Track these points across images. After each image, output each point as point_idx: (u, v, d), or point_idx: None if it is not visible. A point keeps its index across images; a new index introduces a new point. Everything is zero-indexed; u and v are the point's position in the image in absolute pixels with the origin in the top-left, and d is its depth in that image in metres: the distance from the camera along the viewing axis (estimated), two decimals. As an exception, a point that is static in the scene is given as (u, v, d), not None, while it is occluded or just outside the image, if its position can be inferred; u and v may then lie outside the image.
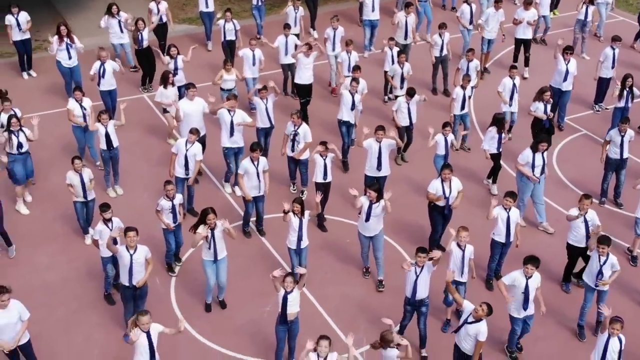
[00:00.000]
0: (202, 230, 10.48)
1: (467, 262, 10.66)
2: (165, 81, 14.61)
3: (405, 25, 17.56)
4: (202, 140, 13.84)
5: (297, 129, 13.27)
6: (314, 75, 16.07)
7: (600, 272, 10.58)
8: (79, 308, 11.32)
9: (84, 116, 13.81)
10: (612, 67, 16.28)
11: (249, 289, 11.66)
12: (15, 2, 16.94)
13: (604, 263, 10.57)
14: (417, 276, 10.15)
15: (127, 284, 10.27)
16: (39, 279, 11.78)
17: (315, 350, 8.82)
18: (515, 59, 18.06)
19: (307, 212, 11.30)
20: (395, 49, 16.54)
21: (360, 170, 13.42)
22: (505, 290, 10.18)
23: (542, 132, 13.95)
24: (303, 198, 12.36)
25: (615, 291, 11.25)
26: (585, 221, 11.34)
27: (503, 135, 13.71)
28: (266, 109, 14.02)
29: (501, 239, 11.53)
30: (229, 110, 13.31)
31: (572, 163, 15.10)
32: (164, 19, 18.09)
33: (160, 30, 18.18)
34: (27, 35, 17.24)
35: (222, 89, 15.39)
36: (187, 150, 12.66)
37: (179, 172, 12.75)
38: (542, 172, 12.79)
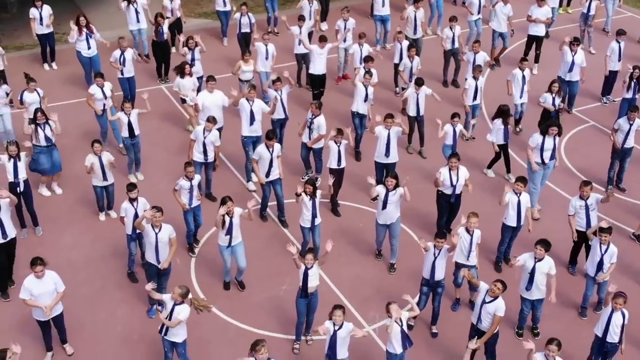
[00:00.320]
0: (222, 210, 10.90)
1: (475, 246, 11.03)
2: (182, 71, 15.06)
3: (415, 20, 17.97)
4: (218, 132, 14.26)
5: (314, 118, 13.70)
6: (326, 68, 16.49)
7: (601, 261, 10.90)
8: (102, 286, 11.81)
9: (104, 100, 14.29)
10: (619, 60, 16.66)
11: (266, 269, 12.11)
12: (38, -5, 17.49)
13: (605, 252, 10.90)
14: (435, 258, 10.55)
15: (152, 262, 10.74)
16: (64, 258, 12.26)
17: (330, 318, 9.25)
18: (526, 55, 18.39)
19: (319, 192, 11.76)
20: (405, 43, 16.92)
21: (372, 158, 13.83)
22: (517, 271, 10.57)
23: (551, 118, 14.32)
24: (317, 184, 12.77)
25: (618, 273, 11.56)
26: (587, 207, 11.71)
27: (509, 127, 14.10)
28: (281, 100, 14.43)
29: (512, 222, 11.90)
30: (248, 100, 13.71)
31: (579, 153, 15.50)
32: (178, 14, 18.55)
33: (175, 25, 18.66)
34: (50, 29, 17.74)
35: (240, 80, 15.85)
36: (205, 138, 13.12)
37: (198, 157, 13.20)
38: (552, 157, 13.17)
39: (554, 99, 14.80)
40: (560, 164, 14.51)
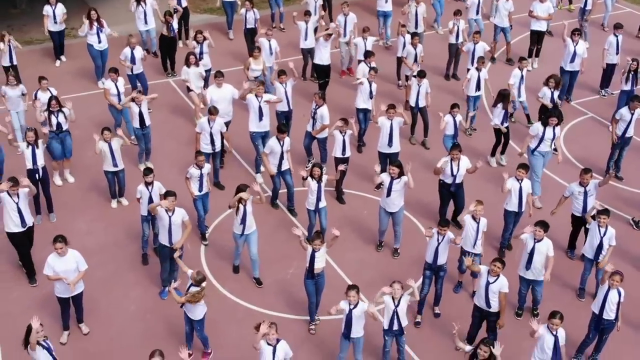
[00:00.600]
0: (244, 195, 11.25)
1: (481, 234, 11.36)
2: (187, 61, 15.47)
3: (416, 14, 18.36)
4: (226, 126, 14.61)
5: (317, 108, 14.07)
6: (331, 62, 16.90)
7: (600, 244, 11.27)
8: (116, 269, 12.21)
9: (119, 95, 14.68)
10: (617, 54, 17.06)
11: (274, 253, 12.49)
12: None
13: (604, 234, 11.27)
14: (439, 244, 10.91)
15: (165, 244, 11.14)
16: (78, 243, 12.52)
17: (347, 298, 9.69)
18: (530, 51, 18.77)
19: (325, 177, 12.15)
20: (408, 36, 17.29)
21: (375, 149, 14.21)
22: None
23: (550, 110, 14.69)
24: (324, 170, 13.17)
25: (615, 257, 11.94)
26: (585, 193, 12.10)
27: (509, 112, 14.56)
28: (285, 92, 14.77)
29: (513, 208, 12.28)
30: (257, 96, 14.01)
31: (578, 143, 15.89)
32: (184, 3, 18.92)
33: (183, 16, 19.05)
34: (62, 27, 18.18)
35: (248, 78, 16.23)
36: (211, 128, 13.49)
37: (205, 148, 13.56)
38: (552, 146, 13.58)
39: (552, 93, 15.18)
40: (560, 160, 14.88)
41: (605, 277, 10.15)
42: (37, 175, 12.66)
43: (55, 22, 17.91)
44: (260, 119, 14.05)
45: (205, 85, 16.44)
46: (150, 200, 11.64)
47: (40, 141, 12.78)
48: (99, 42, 17.06)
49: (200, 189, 12.46)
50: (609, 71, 17.49)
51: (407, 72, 16.96)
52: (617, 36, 16.99)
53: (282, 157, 13.13)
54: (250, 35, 18.43)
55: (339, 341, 10.25)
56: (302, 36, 17.42)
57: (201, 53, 16.36)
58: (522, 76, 15.63)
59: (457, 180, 12.79)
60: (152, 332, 10.91)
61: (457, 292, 11.93)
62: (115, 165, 13.17)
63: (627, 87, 15.96)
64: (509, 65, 18.65)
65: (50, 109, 13.50)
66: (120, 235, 12.94)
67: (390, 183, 12.12)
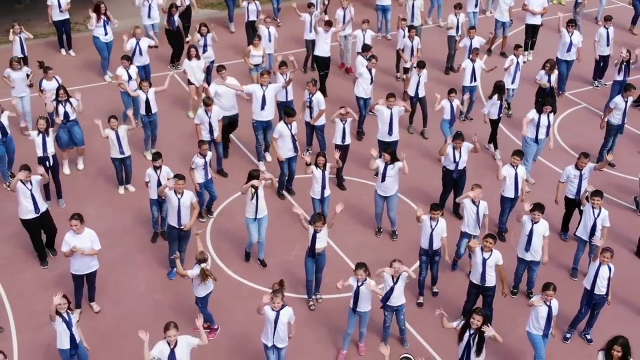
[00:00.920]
0: (256, 182, 11.64)
1: (482, 217, 11.76)
2: (188, 54, 15.88)
3: (412, 8, 18.79)
4: (235, 119, 15.05)
5: (312, 96, 14.48)
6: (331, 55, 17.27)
7: (594, 225, 11.69)
8: (125, 252, 12.61)
9: (130, 82, 15.11)
10: (607, 45, 17.52)
11: (277, 237, 12.89)
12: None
13: (598, 216, 11.70)
14: (433, 229, 11.30)
15: (174, 225, 11.55)
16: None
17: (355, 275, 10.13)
18: (526, 44, 19.20)
19: (328, 165, 12.56)
20: (406, 29, 17.72)
21: (372, 138, 14.61)
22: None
23: (545, 97, 15.13)
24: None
25: (608, 239, 12.35)
26: (580, 177, 12.52)
27: (503, 104, 14.95)
28: (285, 81, 15.11)
29: (510, 194, 12.69)
30: (262, 85, 14.37)
31: (571, 132, 16.35)
32: (188, 1, 19.35)
33: (185, 13, 19.43)
34: (66, 16, 18.56)
35: (250, 67, 16.64)
36: (209, 118, 13.88)
37: (206, 137, 13.93)
38: (547, 133, 14.01)
39: (548, 76, 15.60)
40: (553, 142, 15.32)
41: (597, 253, 10.58)
42: (47, 163, 13.03)
43: (61, 11, 18.28)
44: (263, 108, 14.44)
45: (209, 76, 16.90)
46: (159, 184, 12.05)
47: (51, 130, 13.17)
48: (105, 34, 17.46)
49: (206, 177, 12.85)
50: (601, 63, 17.92)
51: (405, 65, 17.36)
52: (607, 28, 17.46)
53: (294, 140, 13.48)
54: (252, 27, 18.82)
55: (341, 318, 10.71)
56: (306, 28, 17.80)
57: (205, 45, 16.76)
58: (517, 63, 16.05)
59: (460, 167, 13.17)
60: (161, 311, 11.30)
61: (454, 270, 12.32)
62: (122, 152, 13.57)
63: (620, 78, 16.40)
64: (503, 58, 19.05)
65: (59, 98, 13.88)
66: (128, 220, 13.34)
67: (385, 168, 12.53)
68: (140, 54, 16.47)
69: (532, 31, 19.21)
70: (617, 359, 9.03)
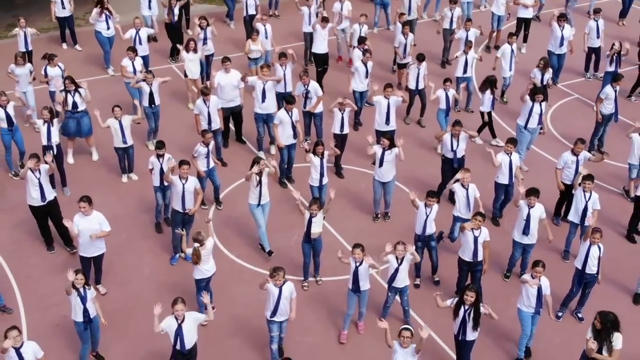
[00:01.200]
0: (255, 169, 11.99)
1: (472, 199, 12.14)
2: (187, 47, 16.22)
3: (409, 1, 19.14)
4: (237, 111, 15.37)
5: (307, 87, 14.83)
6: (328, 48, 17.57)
7: (585, 208, 12.08)
8: (130, 237, 12.95)
9: (135, 73, 15.45)
10: (597, 37, 17.93)
11: (278, 223, 13.21)
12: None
13: (589, 199, 12.09)
14: (427, 216, 11.67)
15: (178, 209, 11.89)
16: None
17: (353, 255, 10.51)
18: (517, 34, 19.54)
19: (326, 152, 12.91)
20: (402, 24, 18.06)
21: (369, 127, 14.96)
22: None
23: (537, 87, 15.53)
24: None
25: (598, 222, 12.75)
26: (577, 162, 12.90)
27: (496, 96, 15.39)
28: (284, 75, 15.49)
29: (504, 180, 13.06)
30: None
31: (563, 121, 16.75)
32: None
33: (185, 7, 19.75)
34: (70, 12, 18.90)
35: (249, 59, 16.98)
36: (208, 108, 14.20)
37: (205, 126, 14.21)
38: (539, 122, 14.40)
39: (542, 74, 15.99)
40: (546, 132, 15.73)
41: (588, 234, 10.95)
42: (51, 152, 13.34)
43: (64, 8, 18.60)
44: (263, 100, 14.77)
45: (209, 69, 17.22)
46: (162, 172, 12.36)
47: (55, 120, 13.47)
48: (107, 28, 17.77)
49: (208, 165, 13.18)
50: (592, 54, 18.33)
51: (399, 61, 17.72)
52: (596, 21, 17.87)
53: (294, 127, 13.82)
54: (251, 21, 19.07)
55: (341, 299, 11.06)
56: (305, 21, 18.13)
57: (205, 38, 17.07)
58: (512, 50, 16.45)
59: (458, 155, 13.52)
60: (166, 293, 11.58)
61: (454, 240, 12.65)
62: (125, 142, 13.89)
63: (612, 69, 16.80)
64: (497, 51, 19.47)
65: (66, 88, 14.18)
66: (132, 207, 13.67)
67: (382, 154, 12.89)
68: (140, 43, 16.76)
69: (523, 24, 19.57)
70: (597, 330, 9.37)
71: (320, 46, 17.50)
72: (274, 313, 10.12)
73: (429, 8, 21.78)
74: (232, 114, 15.33)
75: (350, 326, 11.13)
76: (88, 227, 10.99)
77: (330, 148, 13.27)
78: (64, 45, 19.42)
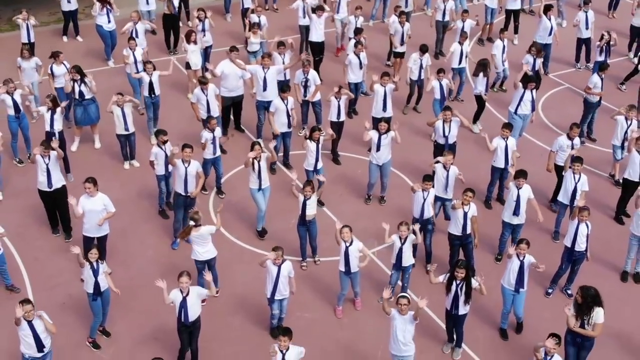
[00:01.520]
0: (252, 154, 12.36)
1: (452, 181, 12.58)
2: (188, 38, 16.57)
3: None
4: (238, 100, 15.70)
5: (307, 75, 15.22)
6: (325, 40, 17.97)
7: (575, 189, 12.49)
8: (133, 220, 13.32)
9: (136, 63, 15.78)
10: (587, 28, 18.35)
11: (277, 207, 13.57)
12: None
13: (578, 181, 12.50)
14: (424, 200, 12.06)
15: (181, 192, 12.26)
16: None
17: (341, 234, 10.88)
18: (506, 28, 19.96)
19: (322, 138, 13.29)
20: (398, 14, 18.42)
21: (365, 116, 15.31)
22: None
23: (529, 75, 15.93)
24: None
25: (590, 206, 13.12)
26: (572, 146, 13.30)
27: (489, 80, 15.85)
28: (283, 63, 15.87)
29: (500, 164, 13.44)
30: (263, 67, 15.09)
31: (554, 110, 17.18)
32: None
33: (183, 0, 20.13)
34: (75, 6, 19.30)
35: (248, 52, 17.33)
36: (206, 96, 14.55)
37: (204, 114, 14.53)
38: (532, 108, 14.83)
39: (534, 59, 16.39)
40: (537, 120, 16.13)
41: (576, 212, 11.36)
42: (54, 138, 13.65)
43: (69, 2, 19.00)
44: (265, 89, 15.14)
45: (206, 61, 17.55)
46: (166, 158, 12.71)
47: (58, 108, 13.81)
48: (109, 22, 18.11)
49: (215, 152, 13.53)
50: (582, 45, 18.76)
51: (395, 50, 18.08)
52: (586, 12, 18.30)
53: (288, 116, 14.19)
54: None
55: (335, 279, 11.42)
56: (300, 14, 18.50)
57: (203, 30, 17.42)
58: (503, 46, 16.86)
59: (450, 141, 13.90)
60: (169, 273, 11.83)
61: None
62: (127, 129, 14.25)
63: (601, 58, 17.23)
64: (490, 43, 19.83)
65: (73, 77, 14.54)
66: (134, 193, 14.04)
67: (379, 138, 13.28)
68: (137, 36, 17.10)
69: (512, 16, 20.01)
70: (579, 304, 9.79)
71: (316, 35, 17.88)
72: (273, 292, 10.49)
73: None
74: (233, 104, 15.67)
75: (347, 303, 11.53)
76: (93, 208, 11.34)
77: (328, 133, 13.65)
78: (65, 39, 19.73)
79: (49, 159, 12.25)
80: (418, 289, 11.85)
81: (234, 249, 12.69)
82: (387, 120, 13.75)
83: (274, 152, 13.00)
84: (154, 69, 15.16)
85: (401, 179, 14.70)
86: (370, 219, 13.53)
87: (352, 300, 11.65)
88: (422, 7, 22.08)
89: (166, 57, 19.04)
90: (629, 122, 14.03)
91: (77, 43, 19.73)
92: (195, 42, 16.68)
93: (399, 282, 11.61)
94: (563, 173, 12.96)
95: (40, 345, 9.30)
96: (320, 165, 13.41)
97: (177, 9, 18.69)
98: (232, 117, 15.93)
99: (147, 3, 19.34)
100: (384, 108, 14.95)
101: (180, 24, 19.94)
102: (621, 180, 13.84)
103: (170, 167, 12.70)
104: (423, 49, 16.32)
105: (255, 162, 12.46)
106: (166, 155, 12.73)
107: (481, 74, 15.61)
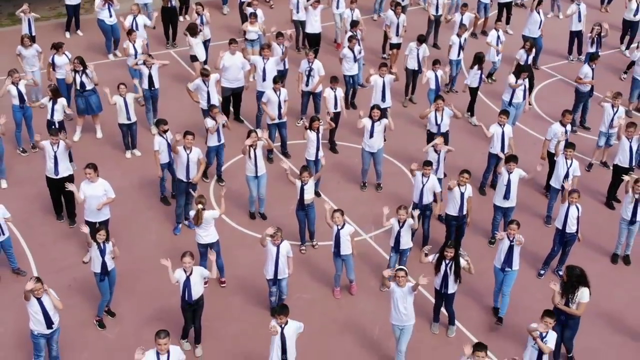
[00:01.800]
0: (248, 141, 12.68)
1: (442, 162, 12.99)
2: (194, 31, 16.85)
3: None
4: (239, 92, 15.99)
5: (312, 65, 15.54)
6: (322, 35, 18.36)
7: (567, 175, 12.82)
8: (135, 207, 13.62)
9: (136, 55, 16.07)
10: (579, 21, 18.70)
11: (275, 195, 13.87)
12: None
13: (570, 166, 12.84)
14: (424, 185, 12.38)
15: (182, 179, 12.57)
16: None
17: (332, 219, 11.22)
18: (499, 19, 20.32)
19: (321, 127, 13.60)
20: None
21: (364, 108, 15.59)
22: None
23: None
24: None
25: (582, 192, 13.46)
26: (566, 132, 13.64)
27: (483, 74, 16.15)
28: (282, 53, 16.24)
29: (497, 151, 13.72)
30: (263, 58, 15.44)
31: (547, 101, 17.53)
32: None
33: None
34: (78, 1, 19.60)
35: (246, 40, 17.65)
36: (207, 87, 14.82)
37: (204, 105, 14.86)
38: (524, 97, 15.18)
39: (527, 55, 16.74)
40: (530, 109, 16.46)
41: (566, 194, 11.70)
42: (54, 127, 13.91)
43: None
44: (264, 79, 15.45)
45: (205, 55, 17.83)
46: (169, 146, 13.01)
47: (59, 99, 14.08)
48: (110, 16, 18.40)
49: (219, 140, 13.81)
50: (574, 38, 19.12)
51: (391, 41, 18.39)
52: (578, 5, 18.65)
53: (280, 107, 14.51)
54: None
55: (332, 262, 11.73)
56: (294, 9, 18.82)
57: (201, 24, 17.70)
58: (498, 36, 17.21)
59: (442, 130, 14.23)
60: (171, 257, 12.00)
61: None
62: (129, 118, 14.55)
63: (592, 50, 17.58)
64: (483, 36, 20.20)
65: (75, 68, 14.83)
66: (136, 181, 14.34)
67: (372, 126, 13.60)
68: (137, 29, 17.36)
69: (505, 8, 20.38)
70: (564, 283, 10.12)
71: (312, 26, 18.20)
72: (273, 272, 10.81)
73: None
74: (233, 95, 15.96)
75: (344, 288, 11.85)
76: (93, 193, 11.63)
77: (327, 122, 13.98)
78: (67, 35, 19.97)
79: (58, 147, 12.53)
80: (415, 272, 12.07)
81: (234, 234, 13.01)
82: (380, 108, 14.04)
83: (269, 140, 13.28)
84: (153, 61, 15.40)
85: (397, 166, 15.03)
86: (367, 205, 13.85)
87: (347, 287, 11.95)
88: (417, 1, 22.43)
89: (165, 50, 19.35)
90: (615, 110, 14.39)
91: (78, 37, 20.01)
92: (198, 35, 16.97)
93: (397, 265, 11.90)
94: (555, 159, 13.27)
95: (49, 322, 9.59)
96: (321, 154, 13.70)
97: (173, 1, 18.92)
98: (231, 108, 16.23)
99: None
100: (383, 98, 15.26)
101: (182, 19, 20.24)
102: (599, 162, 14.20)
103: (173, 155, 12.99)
104: (420, 39, 16.64)
105: (252, 149, 12.76)
106: (168, 144, 13.02)
107: (476, 67, 15.93)
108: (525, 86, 15.15)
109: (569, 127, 13.69)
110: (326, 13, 18.89)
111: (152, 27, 18.66)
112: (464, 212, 12.05)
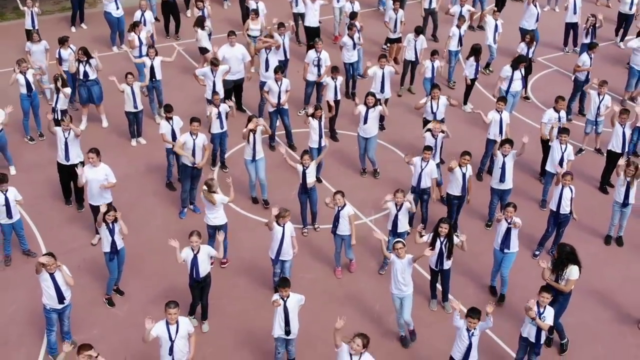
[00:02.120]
0: (251, 125, 13.06)
1: (439, 147, 13.31)
2: (202, 24, 17.21)
3: None
4: (239, 83, 16.34)
5: (320, 54, 15.90)
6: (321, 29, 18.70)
7: (561, 159, 13.19)
8: (141, 193, 13.98)
9: (141, 46, 16.45)
10: (574, 13, 19.09)
11: (279, 180, 14.24)
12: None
13: (565, 150, 13.20)
14: (422, 169, 12.72)
15: (188, 164, 12.93)
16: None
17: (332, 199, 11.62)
18: (498, 9, 20.75)
19: (323, 115, 13.96)
20: (391, 2, 19.09)
21: (363, 98, 15.97)
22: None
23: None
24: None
25: (576, 177, 13.82)
26: (559, 118, 13.99)
27: (480, 65, 16.46)
28: (283, 43, 16.60)
29: (494, 137, 14.03)
30: (266, 49, 15.84)
31: (543, 91, 17.91)
32: None
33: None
34: None
35: (249, 36, 18.00)
36: (214, 77, 15.17)
37: (209, 94, 15.09)
38: (521, 86, 15.55)
39: (528, 48, 17.11)
40: (526, 92, 16.86)
41: (559, 177, 12.07)
42: (55, 115, 14.25)
43: None
44: (267, 70, 15.81)
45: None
46: (173, 133, 13.36)
47: (64, 89, 14.43)
48: (117, 8, 18.76)
49: (222, 127, 14.17)
50: (570, 30, 19.49)
51: (389, 36, 18.75)
52: None
53: (279, 97, 14.87)
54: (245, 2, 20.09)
55: (333, 244, 12.10)
56: (293, 1, 19.17)
57: (203, 17, 18.03)
58: (495, 25, 17.61)
59: (438, 117, 14.57)
60: (179, 239, 12.50)
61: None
62: (135, 107, 14.91)
63: (587, 40, 17.94)
64: (481, 30, 20.59)
65: (79, 58, 15.18)
66: (142, 168, 14.71)
67: (367, 112, 13.96)
68: (145, 24, 17.74)
69: (500, 1, 20.83)
70: (555, 260, 10.46)
71: (311, 20, 18.57)
72: (278, 252, 11.17)
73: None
74: (235, 86, 16.30)
75: (344, 267, 12.22)
76: (95, 177, 11.98)
77: (332, 110, 14.41)
78: (73, 29, 20.31)
79: (69, 133, 12.87)
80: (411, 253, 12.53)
81: (239, 218, 13.36)
82: (374, 95, 14.37)
83: (267, 127, 13.64)
84: (156, 54, 15.74)
85: (396, 154, 15.39)
86: (366, 190, 14.23)
87: (347, 266, 12.31)
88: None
89: (168, 42, 19.70)
90: (601, 97, 14.78)
91: (82, 30, 20.38)
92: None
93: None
94: (550, 144, 13.62)
95: (61, 297, 9.94)
96: (324, 142, 14.03)
97: None
98: (233, 98, 16.58)
99: None
100: (382, 89, 15.61)
101: (189, 14, 20.59)
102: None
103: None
104: (418, 31, 17.00)
105: (251, 134, 13.12)
106: (173, 129, 13.37)
107: (472, 58, 16.29)
108: (522, 75, 15.51)
109: (562, 113, 14.04)
110: (325, 7, 19.20)
111: (157, 19, 19.05)
112: (465, 192, 12.45)
